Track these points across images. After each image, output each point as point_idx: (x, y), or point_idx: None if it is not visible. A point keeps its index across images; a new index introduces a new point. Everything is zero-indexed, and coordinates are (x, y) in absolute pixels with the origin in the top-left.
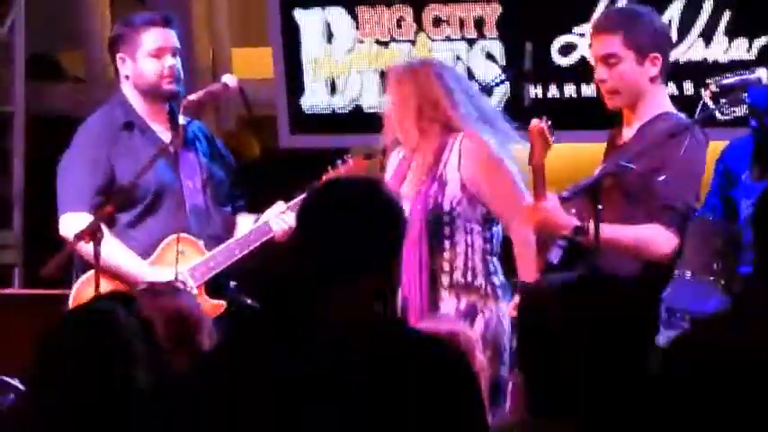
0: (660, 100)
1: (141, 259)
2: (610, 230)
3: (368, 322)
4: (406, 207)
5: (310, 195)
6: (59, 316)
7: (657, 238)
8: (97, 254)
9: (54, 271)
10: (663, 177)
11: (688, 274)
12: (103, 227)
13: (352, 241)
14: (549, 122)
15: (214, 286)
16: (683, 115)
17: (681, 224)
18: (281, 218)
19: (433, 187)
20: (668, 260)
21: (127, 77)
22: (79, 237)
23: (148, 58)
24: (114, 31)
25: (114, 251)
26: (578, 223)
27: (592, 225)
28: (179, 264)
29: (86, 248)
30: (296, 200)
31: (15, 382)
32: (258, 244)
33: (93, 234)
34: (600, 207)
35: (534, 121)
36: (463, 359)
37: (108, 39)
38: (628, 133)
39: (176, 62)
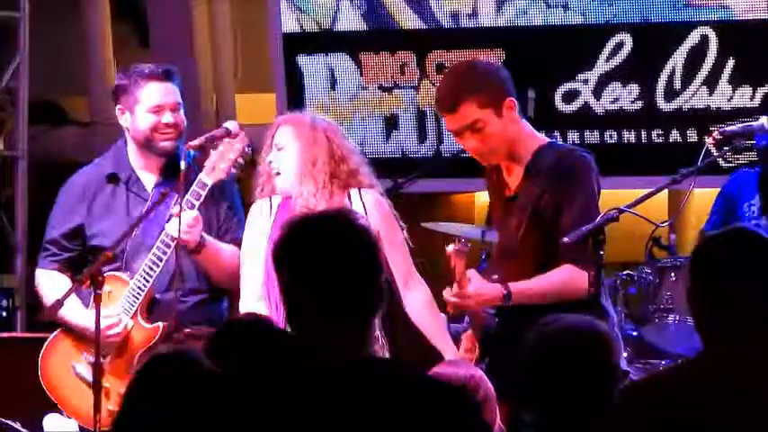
0: (529, 136)
1: (83, 308)
2: (532, 284)
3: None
4: None
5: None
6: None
7: (575, 277)
8: (98, 297)
9: (53, 315)
10: (569, 213)
11: (689, 320)
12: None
13: (349, 277)
14: (462, 240)
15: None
16: (556, 141)
17: (590, 258)
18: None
19: None
20: (587, 294)
21: (127, 129)
22: (80, 282)
23: (146, 113)
24: (116, 80)
25: (66, 305)
26: (504, 290)
27: (513, 285)
28: (110, 303)
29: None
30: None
31: (17, 426)
32: (168, 252)
33: (93, 278)
34: (602, 253)
35: (449, 247)
36: (478, 409)
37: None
38: (513, 181)
39: (175, 117)
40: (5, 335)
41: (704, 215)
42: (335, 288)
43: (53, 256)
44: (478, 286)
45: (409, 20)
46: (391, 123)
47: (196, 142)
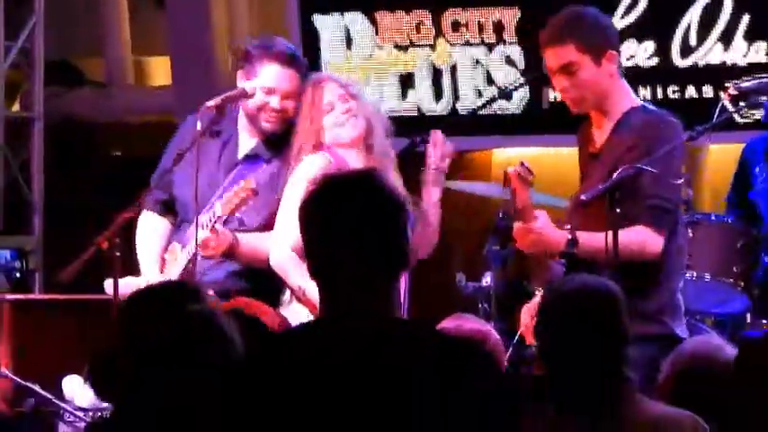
0: (624, 95)
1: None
2: (601, 238)
3: (402, 322)
4: None
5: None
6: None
7: (648, 240)
8: (115, 260)
9: (72, 276)
10: (649, 176)
11: (707, 276)
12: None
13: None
14: (524, 164)
15: None
16: (649, 105)
17: (668, 223)
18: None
19: None
20: (657, 258)
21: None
22: (97, 243)
23: (259, 90)
24: (245, 45)
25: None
26: (569, 236)
27: (581, 234)
28: (170, 271)
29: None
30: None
31: (37, 388)
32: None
33: (110, 241)
34: (618, 210)
35: (510, 168)
36: (494, 360)
37: (236, 50)
38: (600, 136)
39: (283, 104)
40: (21, 297)
41: (721, 171)
42: (366, 245)
43: (152, 196)
44: (545, 224)
45: None
46: (407, 82)
47: (212, 103)
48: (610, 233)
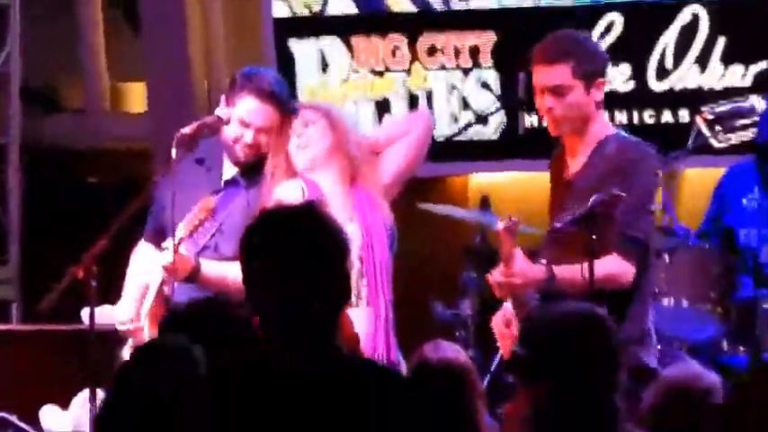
0: (602, 123)
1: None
2: (577, 270)
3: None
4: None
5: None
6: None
7: (620, 269)
8: (92, 289)
9: (49, 305)
10: (622, 205)
11: (684, 302)
12: None
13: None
14: (511, 218)
15: None
16: (624, 132)
17: (639, 253)
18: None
19: None
20: (627, 288)
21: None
22: (74, 272)
23: (234, 120)
24: (236, 72)
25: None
26: (546, 273)
27: (557, 269)
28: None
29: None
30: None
31: (14, 419)
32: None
33: (87, 270)
34: (594, 237)
35: (499, 225)
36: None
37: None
38: (574, 164)
39: (256, 138)
40: (1, 327)
41: (697, 196)
42: (305, 282)
43: (149, 225)
44: (523, 266)
45: (400, 2)
46: (383, 107)
47: (188, 130)
48: (584, 264)
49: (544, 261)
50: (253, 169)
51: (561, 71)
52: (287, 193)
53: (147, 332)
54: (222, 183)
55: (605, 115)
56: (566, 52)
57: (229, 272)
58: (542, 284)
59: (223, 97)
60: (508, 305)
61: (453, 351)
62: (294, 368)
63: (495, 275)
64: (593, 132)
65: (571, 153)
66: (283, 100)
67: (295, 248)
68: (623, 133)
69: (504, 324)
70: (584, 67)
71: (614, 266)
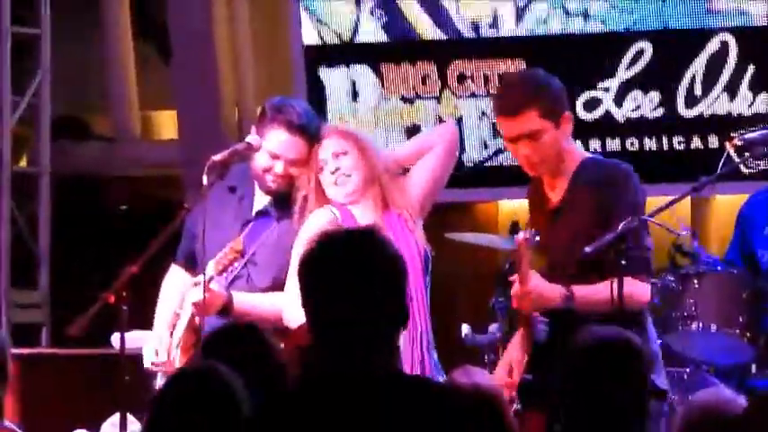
0: (574, 150)
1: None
2: (594, 291)
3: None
4: None
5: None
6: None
7: (636, 289)
8: (122, 314)
9: (80, 330)
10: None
11: (713, 326)
12: None
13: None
14: (534, 231)
15: None
16: (596, 155)
17: (649, 270)
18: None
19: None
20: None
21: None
22: (105, 297)
23: (265, 151)
24: (267, 102)
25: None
26: (565, 292)
27: (576, 289)
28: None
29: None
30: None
31: None
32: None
33: (117, 294)
34: (623, 262)
35: (519, 235)
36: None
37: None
38: (555, 192)
39: (286, 169)
40: (28, 350)
41: (727, 222)
42: (365, 303)
43: (182, 249)
44: (539, 284)
45: (430, 30)
46: (413, 134)
47: (219, 157)
48: (603, 284)
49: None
50: (284, 200)
51: (529, 117)
52: (320, 220)
53: (179, 362)
54: (254, 212)
55: (573, 143)
56: (528, 99)
57: (262, 303)
58: (560, 303)
59: (253, 128)
60: (510, 351)
61: (483, 376)
62: (344, 386)
63: (515, 288)
64: (569, 162)
65: (550, 186)
66: (312, 131)
67: (351, 268)
68: (597, 156)
69: (507, 372)
70: (550, 107)
71: (632, 287)
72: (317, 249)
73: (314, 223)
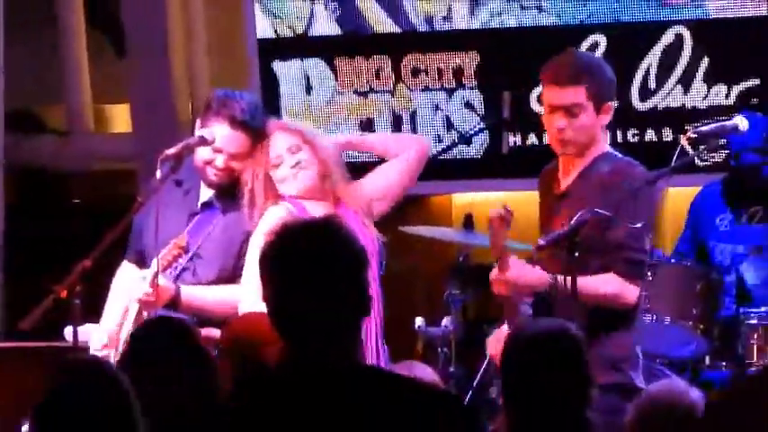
0: (603, 143)
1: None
2: (580, 282)
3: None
4: None
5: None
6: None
7: (623, 290)
8: (75, 308)
9: (32, 324)
10: (623, 226)
11: (667, 319)
12: None
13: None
14: (506, 207)
15: None
16: (618, 153)
17: (642, 274)
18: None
19: None
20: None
21: None
22: (57, 291)
23: (207, 146)
24: (209, 97)
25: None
26: (551, 278)
27: (562, 277)
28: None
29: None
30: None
31: None
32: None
33: (70, 288)
34: (576, 255)
35: (492, 211)
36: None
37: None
38: (566, 179)
39: (226, 163)
40: None
41: (680, 214)
42: (325, 294)
43: (131, 246)
44: (520, 269)
45: (384, 24)
46: (367, 128)
47: (172, 151)
48: (592, 278)
49: (537, 268)
50: (228, 193)
51: (577, 92)
52: (276, 217)
53: None
54: (199, 204)
55: (603, 136)
56: (584, 73)
57: (209, 295)
58: (543, 289)
59: (198, 120)
60: (504, 327)
61: (424, 371)
62: (304, 377)
63: (493, 273)
64: (591, 152)
65: (565, 171)
66: (256, 127)
67: (311, 259)
68: (617, 153)
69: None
70: (599, 90)
71: (620, 287)
72: (277, 241)
73: (270, 219)
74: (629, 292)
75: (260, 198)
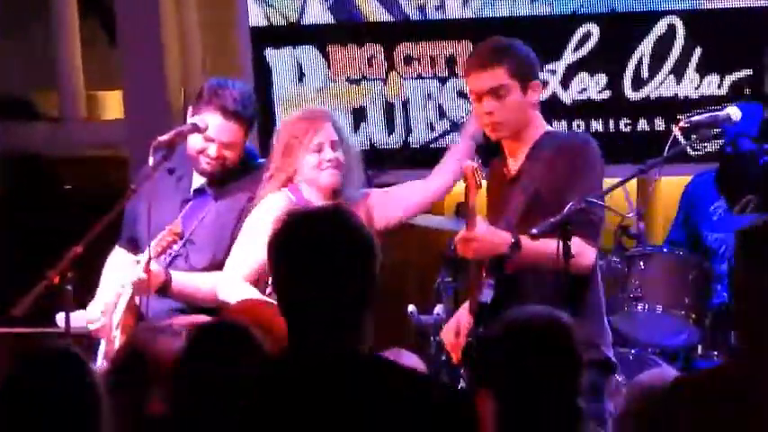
0: (539, 123)
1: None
2: (541, 243)
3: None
4: None
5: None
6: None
7: (582, 251)
8: (67, 294)
9: (24, 310)
10: (579, 190)
11: (659, 308)
12: None
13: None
14: (480, 162)
15: None
16: (558, 130)
17: (597, 235)
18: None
19: None
20: (587, 271)
21: None
22: (49, 277)
23: (200, 135)
24: (202, 86)
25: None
26: (512, 240)
27: (523, 238)
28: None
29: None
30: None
31: None
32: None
33: (62, 274)
34: (569, 243)
35: (467, 163)
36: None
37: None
38: (514, 163)
39: (219, 152)
40: None
41: (672, 204)
42: (330, 282)
43: (124, 232)
44: (485, 230)
45: (376, 12)
46: (359, 116)
47: (164, 138)
48: (552, 240)
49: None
50: (221, 180)
51: (497, 73)
52: (276, 204)
53: (119, 342)
54: (191, 191)
55: (540, 117)
56: (499, 55)
57: (200, 283)
58: (506, 250)
59: (190, 108)
60: (461, 313)
61: (411, 359)
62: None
63: (459, 233)
64: (531, 132)
65: (511, 153)
66: (248, 116)
67: (316, 247)
68: (557, 130)
69: (455, 334)
70: (519, 68)
71: (579, 247)
72: (284, 228)
73: (269, 207)
74: (587, 252)
75: (280, 178)
